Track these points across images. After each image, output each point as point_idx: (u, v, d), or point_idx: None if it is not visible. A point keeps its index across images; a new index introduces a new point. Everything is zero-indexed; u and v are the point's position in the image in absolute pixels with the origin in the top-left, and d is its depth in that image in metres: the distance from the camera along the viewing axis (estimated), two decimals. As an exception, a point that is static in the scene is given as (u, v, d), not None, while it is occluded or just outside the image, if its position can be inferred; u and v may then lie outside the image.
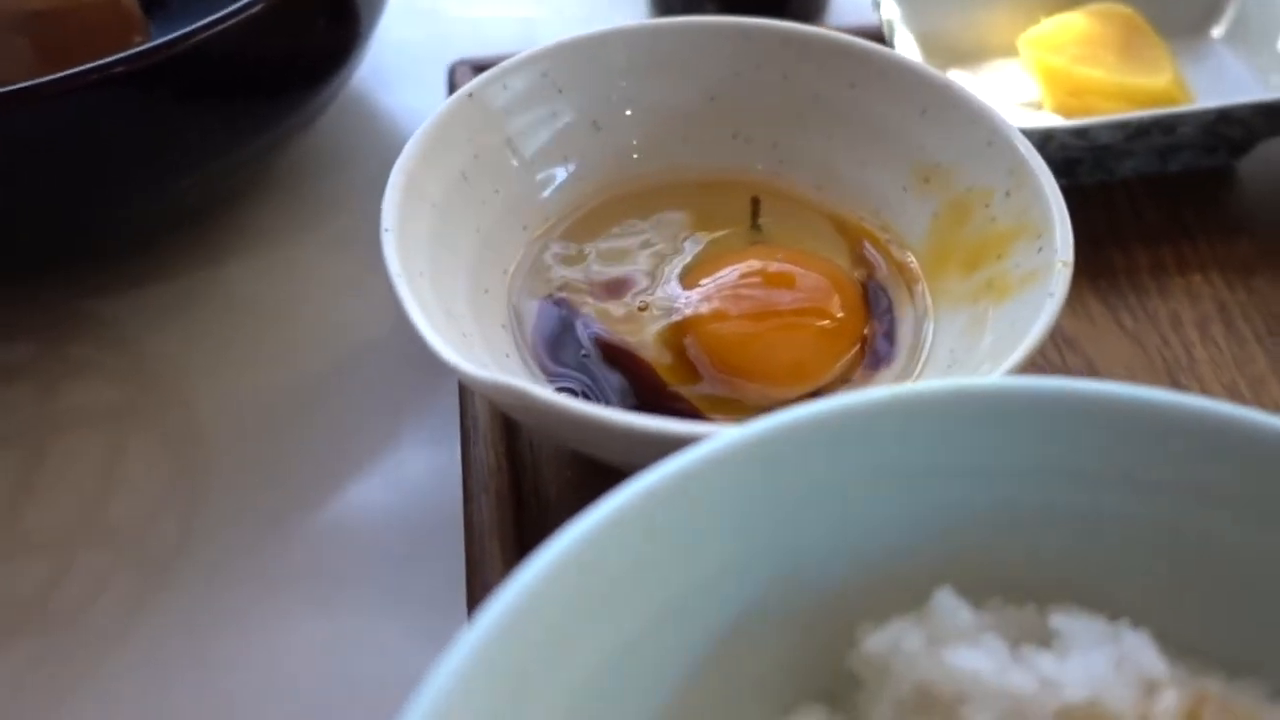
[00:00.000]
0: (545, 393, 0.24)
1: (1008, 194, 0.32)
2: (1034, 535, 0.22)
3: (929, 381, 0.21)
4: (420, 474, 0.34)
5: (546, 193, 0.35)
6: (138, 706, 0.29)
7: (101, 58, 0.42)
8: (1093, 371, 0.36)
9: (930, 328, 0.32)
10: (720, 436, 0.19)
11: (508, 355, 0.31)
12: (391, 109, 0.48)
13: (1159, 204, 0.41)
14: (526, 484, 0.31)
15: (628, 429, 0.23)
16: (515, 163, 0.34)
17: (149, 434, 0.35)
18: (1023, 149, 0.31)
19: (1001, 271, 0.30)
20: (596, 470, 0.29)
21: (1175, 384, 0.35)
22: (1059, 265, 0.28)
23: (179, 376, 0.37)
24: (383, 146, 0.45)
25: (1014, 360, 0.26)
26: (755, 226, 0.35)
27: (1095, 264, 0.39)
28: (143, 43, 0.42)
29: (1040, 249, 0.29)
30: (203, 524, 0.33)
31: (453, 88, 0.43)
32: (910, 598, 0.21)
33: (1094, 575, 0.22)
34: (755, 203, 0.36)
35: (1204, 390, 0.35)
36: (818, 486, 0.21)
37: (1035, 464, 0.21)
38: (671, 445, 0.20)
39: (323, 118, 0.42)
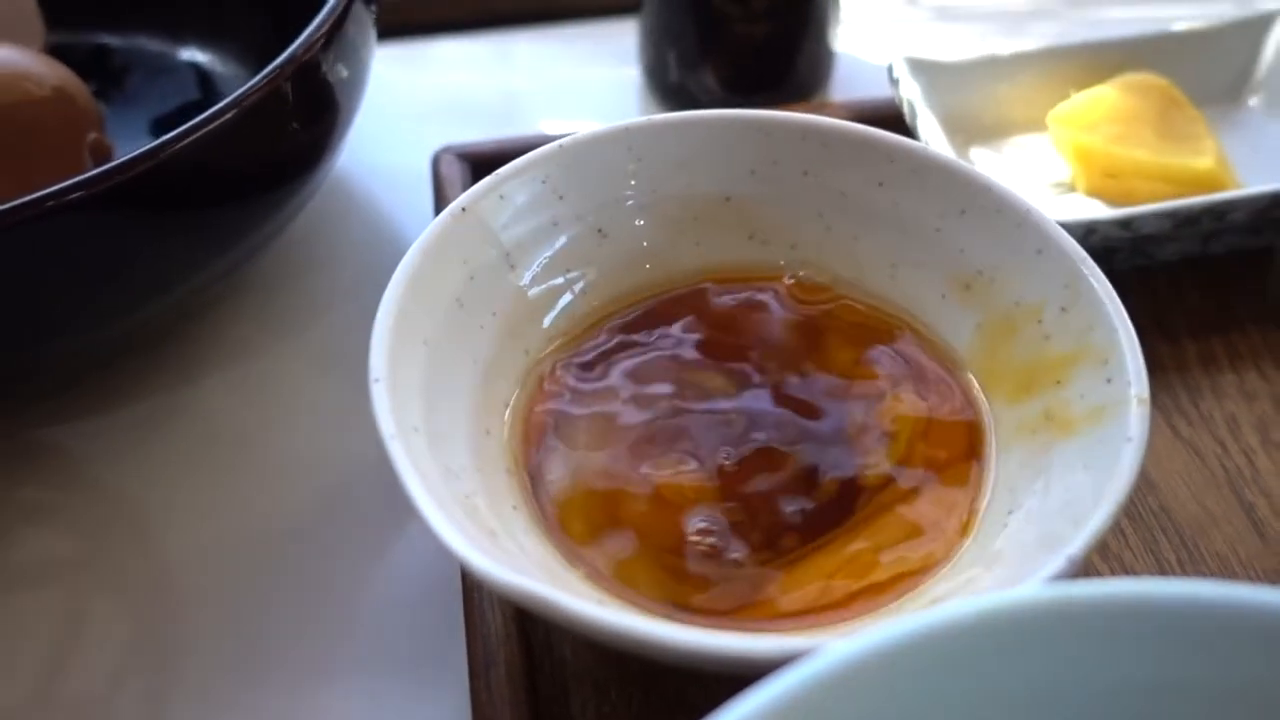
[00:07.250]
0: (574, 603, 0.20)
1: (1063, 309, 0.29)
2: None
3: (1020, 592, 0.18)
4: (421, 632, 0.30)
5: (550, 310, 0.31)
6: None
7: (53, 156, 0.38)
8: (1149, 486, 0.33)
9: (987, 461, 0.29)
10: (809, 663, 0.16)
11: (515, 508, 0.27)
12: (371, 195, 0.44)
13: (1203, 289, 0.38)
14: (538, 651, 0.28)
15: (678, 647, 0.20)
16: (515, 280, 0.31)
17: (110, 592, 0.31)
18: (1078, 260, 0.28)
19: (1062, 402, 0.27)
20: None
21: (1240, 499, 0.32)
22: (1134, 402, 0.25)
23: (143, 519, 0.33)
24: (364, 240, 0.42)
25: (1097, 524, 0.23)
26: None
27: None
28: (98, 139, 0.39)
29: (1109, 379, 0.26)
30: (172, 697, 0.29)
31: (437, 178, 0.40)
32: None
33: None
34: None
35: (1272, 507, 0.32)
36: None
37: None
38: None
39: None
